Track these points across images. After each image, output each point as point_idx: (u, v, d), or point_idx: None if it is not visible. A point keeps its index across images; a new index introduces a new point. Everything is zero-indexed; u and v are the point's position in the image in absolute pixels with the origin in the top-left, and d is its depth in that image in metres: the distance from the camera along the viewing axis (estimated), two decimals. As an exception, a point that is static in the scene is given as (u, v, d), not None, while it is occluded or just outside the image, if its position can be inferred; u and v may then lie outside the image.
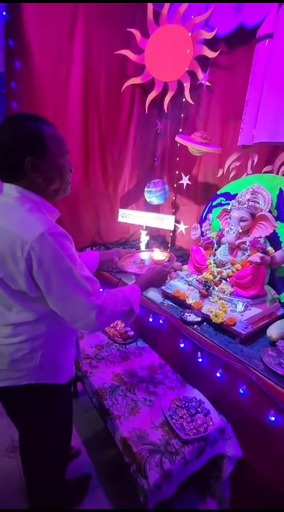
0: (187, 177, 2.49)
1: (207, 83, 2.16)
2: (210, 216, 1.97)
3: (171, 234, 2.71)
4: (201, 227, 1.95)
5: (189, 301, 1.62)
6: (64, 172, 0.87)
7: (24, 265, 0.74)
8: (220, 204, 1.98)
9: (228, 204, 1.81)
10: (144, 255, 1.42)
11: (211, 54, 2.03)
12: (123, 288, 1.00)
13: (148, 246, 2.62)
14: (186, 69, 2.14)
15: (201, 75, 2.13)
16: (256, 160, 1.94)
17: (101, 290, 0.89)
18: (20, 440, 1.17)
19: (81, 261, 0.84)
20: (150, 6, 2.15)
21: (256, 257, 1.45)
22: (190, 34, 2.07)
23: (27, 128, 0.79)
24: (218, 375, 1.26)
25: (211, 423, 1.15)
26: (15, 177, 0.80)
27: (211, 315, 1.46)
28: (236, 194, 1.74)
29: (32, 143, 0.78)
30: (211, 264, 1.70)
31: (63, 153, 0.86)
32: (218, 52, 2.00)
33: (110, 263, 1.29)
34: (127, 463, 1.07)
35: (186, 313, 1.58)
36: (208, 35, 2.00)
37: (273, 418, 1.06)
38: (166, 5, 2.13)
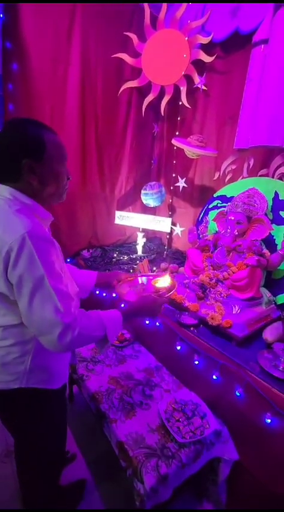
0: (184, 179, 2.51)
1: (203, 87, 2.18)
2: (207, 218, 1.98)
3: (168, 237, 2.71)
4: (198, 230, 1.96)
5: (186, 303, 1.62)
6: (60, 178, 0.86)
7: (2, 266, 0.73)
8: (216, 207, 2.00)
9: (224, 206, 1.82)
10: (145, 280, 1.26)
11: (207, 58, 2.05)
12: (103, 312, 0.90)
13: (145, 249, 2.63)
14: (183, 73, 2.16)
15: (197, 79, 2.15)
16: (251, 163, 1.96)
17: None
18: (14, 445, 1.15)
19: (69, 273, 0.81)
20: (147, 10, 2.17)
21: (252, 260, 1.46)
22: (186, 38, 2.09)
23: (28, 131, 0.79)
24: (214, 377, 1.26)
25: (207, 426, 1.14)
26: (10, 179, 0.80)
27: (207, 318, 1.47)
28: (233, 197, 1.76)
29: (31, 146, 0.78)
30: (207, 266, 1.71)
31: (62, 160, 0.86)
32: (214, 57, 2.03)
33: (107, 286, 1.19)
34: (124, 467, 1.06)
35: (183, 316, 1.58)
36: (205, 40, 2.02)
37: (269, 421, 1.07)
38: (163, 10, 2.15)
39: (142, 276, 1.30)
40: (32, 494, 1.12)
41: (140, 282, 1.25)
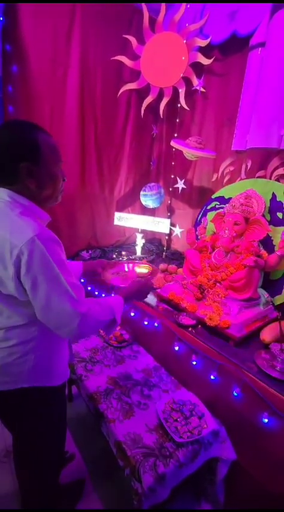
0: (182, 181, 2.52)
1: (202, 89, 2.20)
2: (205, 219, 1.99)
3: (167, 237, 2.72)
4: (196, 231, 1.97)
5: (184, 304, 1.63)
6: (57, 180, 0.88)
7: (12, 269, 0.74)
8: (214, 208, 2.01)
9: (222, 208, 1.83)
10: (128, 267, 1.42)
11: (205, 61, 2.07)
12: (108, 298, 0.99)
13: (144, 250, 2.64)
14: (181, 75, 2.18)
15: (195, 81, 2.17)
16: (249, 165, 1.97)
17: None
18: (13, 444, 1.16)
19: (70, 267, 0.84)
20: (146, 13, 2.19)
21: (250, 260, 1.47)
22: (185, 41, 2.11)
23: (24, 134, 0.79)
24: (212, 377, 1.27)
25: (205, 426, 1.15)
26: (8, 182, 0.81)
27: (205, 318, 1.48)
28: (231, 198, 1.77)
29: (27, 149, 0.79)
30: (205, 267, 1.72)
31: (57, 162, 0.87)
32: (212, 59, 2.05)
33: (93, 274, 1.28)
34: (122, 466, 1.07)
35: (181, 316, 1.59)
36: (203, 43, 2.04)
37: (266, 420, 1.07)
38: (162, 13, 2.17)
39: (124, 263, 1.44)
40: (31, 493, 1.12)
41: (124, 269, 1.38)
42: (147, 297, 1.16)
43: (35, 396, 0.91)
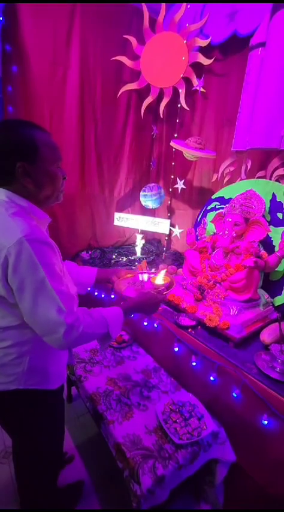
0: (182, 181, 2.52)
1: (202, 89, 2.19)
2: (205, 220, 1.99)
3: (167, 238, 2.72)
4: (196, 231, 1.97)
5: (184, 305, 1.62)
6: (56, 180, 0.86)
7: (0, 270, 0.73)
8: (214, 209, 2.01)
9: (222, 208, 1.83)
10: (144, 277, 1.29)
11: (205, 61, 2.07)
12: (104, 309, 0.92)
13: (143, 250, 2.64)
14: (181, 75, 2.17)
15: (195, 81, 2.16)
16: (249, 165, 1.97)
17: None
18: (13, 445, 1.16)
19: (68, 273, 0.82)
20: (146, 13, 2.19)
21: (250, 261, 1.46)
22: (185, 41, 2.11)
23: (19, 133, 0.78)
24: (212, 378, 1.26)
25: (204, 427, 1.14)
26: (5, 182, 0.80)
27: (205, 319, 1.47)
28: (231, 199, 1.76)
29: (23, 148, 0.78)
30: (205, 268, 1.71)
31: (56, 160, 0.85)
32: (212, 59, 2.05)
33: (107, 282, 1.21)
34: (121, 468, 1.07)
35: (181, 317, 1.58)
36: (203, 43, 2.04)
37: (266, 422, 1.07)
38: (162, 13, 2.17)
39: (141, 273, 1.32)
40: (30, 495, 1.12)
41: (140, 279, 1.28)
42: (156, 311, 1.07)
43: (30, 398, 0.90)
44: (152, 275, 1.29)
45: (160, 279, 1.21)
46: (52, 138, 0.85)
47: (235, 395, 1.18)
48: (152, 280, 1.20)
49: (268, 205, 1.68)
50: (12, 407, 0.91)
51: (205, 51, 2.08)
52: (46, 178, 0.83)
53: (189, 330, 1.52)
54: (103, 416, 1.20)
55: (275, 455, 1.05)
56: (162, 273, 1.24)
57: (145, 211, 2.79)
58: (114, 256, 2.55)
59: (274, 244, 1.65)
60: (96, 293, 2.00)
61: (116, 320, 0.91)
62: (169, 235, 2.70)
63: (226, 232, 1.68)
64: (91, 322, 0.85)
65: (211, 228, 1.92)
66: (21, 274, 0.73)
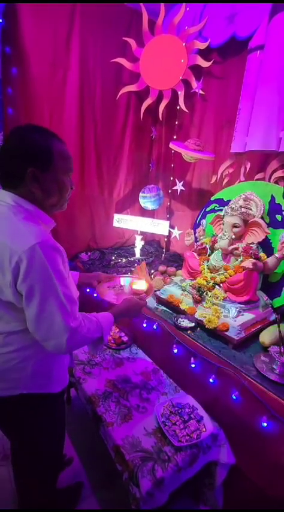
0: (181, 183, 2.52)
1: (201, 92, 2.20)
2: (204, 221, 1.99)
3: (166, 239, 2.72)
4: (195, 233, 1.97)
5: (183, 306, 1.62)
6: (64, 189, 0.86)
7: (10, 276, 0.73)
8: (213, 210, 2.01)
9: (221, 210, 1.83)
10: (124, 281, 1.38)
11: (204, 63, 2.08)
12: (98, 314, 0.96)
13: (143, 251, 2.64)
14: (180, 77, 2.18)
15: (194, 83, 2.17)
16: (248, 167, 1.97)
17: None
18: (11, 448, 1.15)
19: (71, 277, 0.83)
20: (145, 16, 2.20)
21: (249, 263, 1.47)
22: (184, 44, 2.12)
23: (36, 139, 0.79)
24: (211, 380, 1.26)
25: (204, 429, 1.14)
26: (12, 185, 0.80)
27: (204, 321, 1.47)
28: (230, 200, 1.77)
29: (38, 155, 0.78)
30: (204, 269, 1.71)
31: (68, 171, 0.86)
32: (211, 62, 2.06)
33: (88, 286, 1.28)
34: (120, 470, 1.06)
35: (180, 319, 1.58)
36: (202, 45, 2.05)
37: (265, 424, 1.07)
38: (161, 15, 2.18)
39: (121, 277, 1.42)
40: (28, 497, 1.11)
41: (120, 283, 1.36)
42: (138, 315, 1.14)
43: (33, 402, 0.90)
44: (132, 279, 1.37)
45: (139, 284, 1.30)
46: (67, 148, 0.85)
47: (234, 397, 1.17)
48: (131, 284, 1.29)
49: (266, 207, 1.68)
50: (14, 412, 0.91)
51: (204, 53, 2.09)
52: (54, 187, 0.83)
53: (188, 332, 1.52)
54: (102, 419, 1.20)
55: (274, 458, 1.05)
56: (142, 280, 1.33)
57: (145, 213, 2.79)
58: (113, 258, 2.55)
59: (272, 246, 1.66)
60: (88, 289, 2.00)
61: (109, 325, 0.96)
62: (169, 236, 2.70)
63: (225, 233, 1.69)
64: (90, 326, 0.88)
65: (210, 229, 1.93)
66: (32, 280, 0.73)
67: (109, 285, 1.33)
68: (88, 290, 2.00)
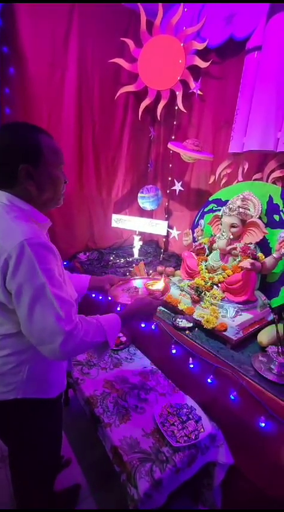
0: (180, 183, 2.52)
1: (199, 92, 2.20)
2: (202, 222, 1.99)
3: (164, 240, 2.72)
4: (193, 233, 1.97)
5: (181, 306, 1.62)
6: (58, 183, 0.86)
7: (0, 275, 0.72)
8: (211, 210, 2.01)
9: (220, 210, 1.83)
10: (138, 283, 1.28)
11: (202, 64, 2.08)
12: (102, 317, 0.90)
13: (141, 252, 2.63)
14: (178, 78, 2.18)
15: (192, 84, 2.17)
16: (246, 167, 1.98)
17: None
18: (9, 450, 1.14)
19: (69, 279, 0.81)
20: (143, 16, 2.20)
21: (247, 263, 1.47)
22: (182, 44, 2.12)
23: (24, 135, 0.78)
24: (209, 380, 1.26)
25: (202, 430, 1.14)
26: (7, 184, 0.79)
27: (202, 321, 1.47)
28: (228, 200, 1.77)
29: (27, 151, 0.78)
30: (202, 269, 1.71)
31: (59, 164, 0.85)
32: (209, 62, 2.06)
33: (101, 290, 1.19)
34: (118, 471, 1.06)
35: (178, 319, 1.58)
36: (200, 46, 2.05)
37: (263, 424, 1.07)
38: (159, 16, 2.18)
39: (134, 279, 1.31)
40: (26, 499, 1.10)
41: (134, 285, 1.27)
42: (151, 317, 1.06)
43: (29, 407, 0.89)
44: (146, 281, 1.27)
45: (155, 284, 1.20)
46: (55, 142, 0.85)
47: (232, 397, 1.17)
48: (146, 285, 1.19)
49: (264, 207, 1.68)
50: (10, 417, 0.89)
51: (202, 54, 2.09)
52: (48, 182, 0.83)
53: (186, 332, 1.52)
54: (100, 419, 1.19)
55: (272, 458, 1.05)
56: (160, 280, 1.22)
57: (143, 213, 2.79)
58: (111, 258, 2.55)
59: (270, 246, 1.66)
60: (93, 294, 1.99)
61: (113, 327, 0.89)
62: (167, 236, 2.70)
63: (223, 234, 1.69)
64: (89, 330, 0.82)
65: (208, 229, 1.93)
66: (20, 278, 0.71)
67: (123, 288, 1.24)
68: (100, 297, 1.94)
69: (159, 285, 1.18)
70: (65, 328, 0.73)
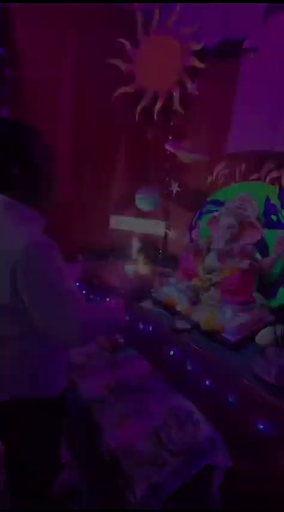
0: (177, 184, 2.52)
1: (196, 92, 2.20)
2: (199, 222, 1.99)
3: (162, 240, 2.71)
4: (191, 234, 1.97)
5: (179, 307, 1.61)
6: (52, 182, 0.85)
7: (8, 277, 0.71)
8: (209, 211, 2.00)
9: (217, 211, 1.83)
10: (128, 268, 1.40)
11: (199, 65, 2.08)
12: (109, 303, 0.99)
13: (140, 252, 2.62)
14: (175, 78, 2.18)
15: (189, 84, 2.17)
16: (243, 168, 1.97)
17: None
18: (5, 452, 1.13)
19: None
20: (140, 17, 2.20)
21: (244, 264, 1.46)
22: (179, 45, 2.12)
23: (13, 134, 0.77)
24: (207, 382, 1.25)
25: (200, 433, 1.13)
26: (3, 187, 0.78)
27: (200, 322, 1.46)
28: (225, 201, 1.76)
29: (18, 151, 0.77)
30: (200, 270, 1.71)
31: (51, 162, 0.85)
32: (206, 63, 2.05)
33: (92, 277, 1.28)
34: (115, 476, 1.05)
35: (176, 320, 1.57)
36: (197, 47, 2.05)
37: (262, 427, 1.06)
38: (156, 17, 2.18)
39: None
40: (22, 503, 1.09)
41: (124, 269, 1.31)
42: (150, 293, 1.14)
43: (29, 407, 0.88)
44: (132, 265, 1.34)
45: (141, 267, 1.29)
46: (46, 140, 0.84)
47: (230, 399, 1.17)
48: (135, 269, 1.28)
49: (262, 207, 1.68)
50: (9, 418, 0.89)
51: (199, 55, 2.09)
52: (41, 181, 0.82)
53: (184, 333, 1.51)
54: (97, 423, 1.18)
55: (271, 460, 1.04)
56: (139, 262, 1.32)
57: (141, 214, 2.78)
58: (109, 259, 2.54)
59: (268, 246, 1.65)
60: (91, 296, 1.98)
61: (119, 311, 0.95)
62: (165, 237, 2.69)
63: (221, 234, 1.68)
64: (102, 316, 0.90)
65: (205, 230, 1.92)
66: (32, 280, 0.72)
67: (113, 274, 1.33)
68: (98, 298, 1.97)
69: (145, 268, 1.27)
70: (81, 319, 0.78)
